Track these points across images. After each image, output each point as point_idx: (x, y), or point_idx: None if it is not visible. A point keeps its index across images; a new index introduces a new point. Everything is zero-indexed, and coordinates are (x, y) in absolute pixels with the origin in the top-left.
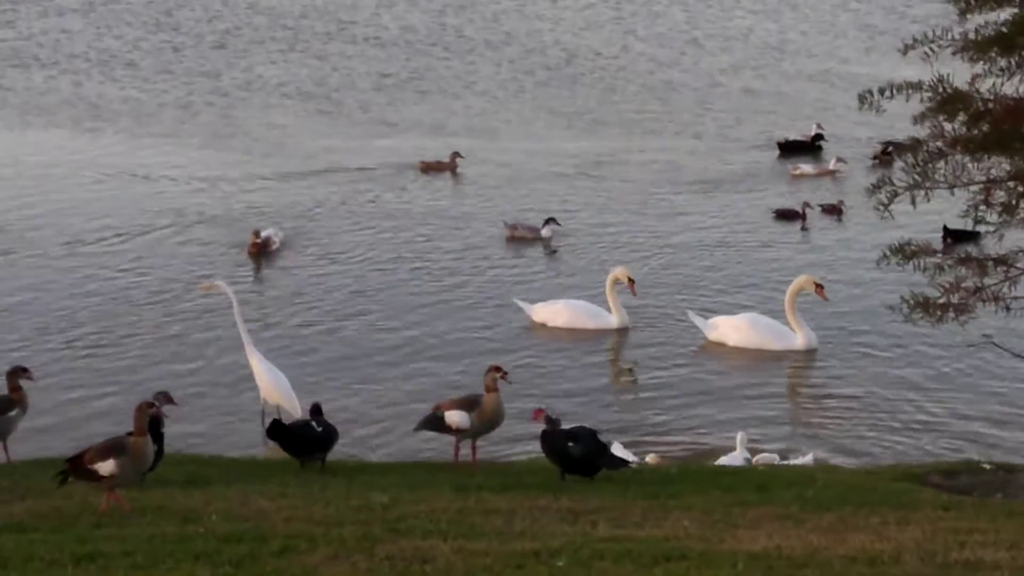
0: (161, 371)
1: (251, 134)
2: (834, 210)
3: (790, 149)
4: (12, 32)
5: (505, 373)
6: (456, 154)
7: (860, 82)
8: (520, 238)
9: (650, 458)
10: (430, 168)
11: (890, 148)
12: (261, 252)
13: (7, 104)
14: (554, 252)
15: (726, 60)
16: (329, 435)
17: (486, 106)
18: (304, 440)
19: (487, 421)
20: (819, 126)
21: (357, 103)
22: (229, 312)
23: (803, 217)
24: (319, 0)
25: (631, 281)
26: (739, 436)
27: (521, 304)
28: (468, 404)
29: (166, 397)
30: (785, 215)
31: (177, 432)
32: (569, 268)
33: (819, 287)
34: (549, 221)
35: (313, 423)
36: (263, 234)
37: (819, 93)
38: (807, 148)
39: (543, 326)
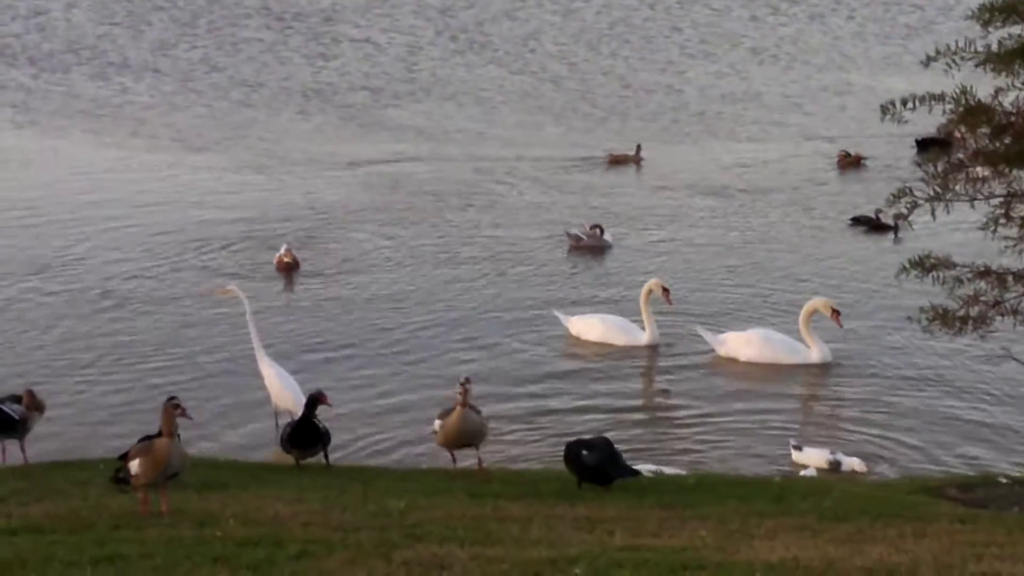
0: (176, 376)
1: (251, 136)
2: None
3: (927, 146)
4: None
5: (465, 387)
6: (639, 147)
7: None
8: (585, 247)
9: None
10: (617, 161)
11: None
12: (290, 268)
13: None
14: (599, 259)
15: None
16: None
17: (475, 111)
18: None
19: (450, 435)
20: None
21: (357, 104)
22: (243, 317)
23: (896, 228)
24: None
25: (666, 291)
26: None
27: (559, 316)
28: (444, 415)
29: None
30: (878, 227)
31: (190, 436)
32: (622, 278)
33: (836, 313)
34: (596, 227)
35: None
36: (284, 249)
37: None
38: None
39: (578, 339)
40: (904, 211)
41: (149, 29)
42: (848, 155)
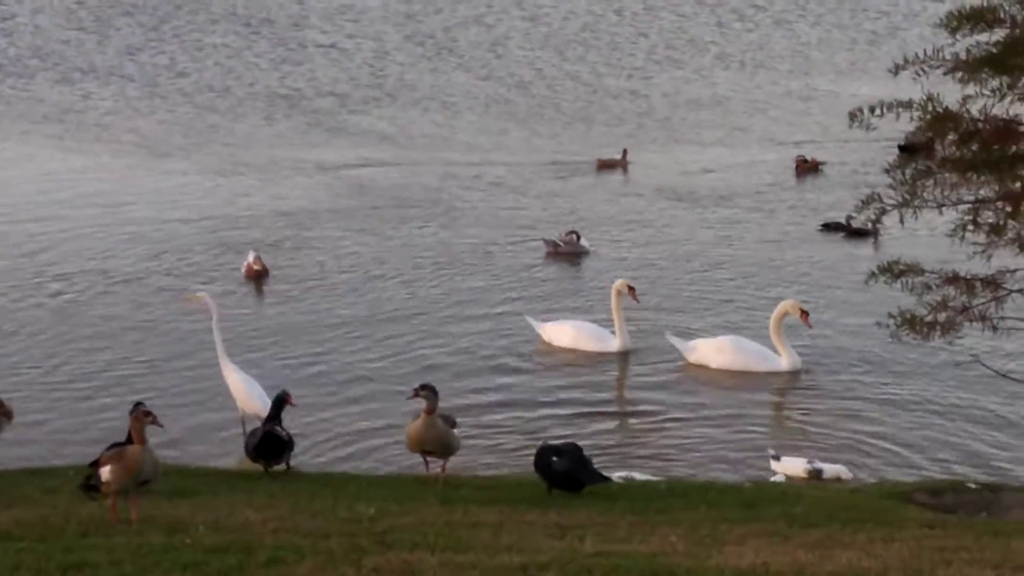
0: (143, 382)
1: (217, 142)
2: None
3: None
4: None
5: (416, 394)
6: (626, 151)
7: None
8: (562, 254)
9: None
10: (605, 165)
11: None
12: (259, 276)
13: None
14: (577, 265)
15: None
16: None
17: (443, 118)
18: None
19: (412, 440)
20: None
21: (324, 110)
22: (209, 323)
23: (875, 233)
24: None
25: (632, 289)
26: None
27: (532, 322)
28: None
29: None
30: (855, 233)
31: (156, 443)
32: (599, 284)
33: (804, 313)
34: (571, 234)
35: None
36: (253, 257)
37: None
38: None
39: (550, 345)
40: (872, 217)
41: (116, 34)
42: (806, 161)
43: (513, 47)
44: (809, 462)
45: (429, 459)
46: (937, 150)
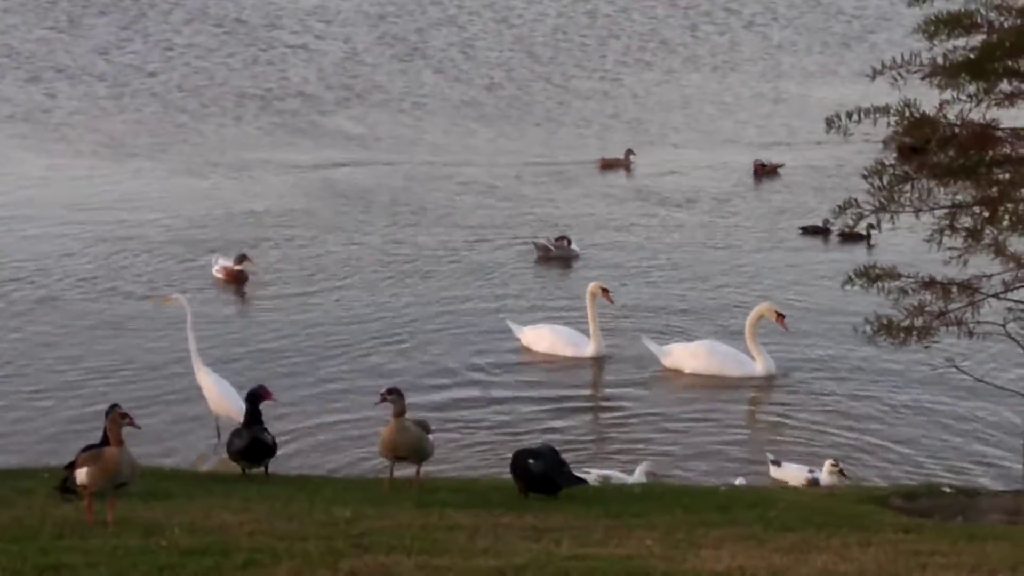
0: (114, 383)
1: (188, 142)
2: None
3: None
4: None
5: (384, 399)
6: (629, 151)
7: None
8: (553, 258)
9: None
10: (609, 165)
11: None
12: (237, 279)
13: None
14: (566, 269)
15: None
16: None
17: (419, 120)
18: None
19: (385, 445)
20: None
21: (294, 111)
22: (182, 325)
23: (868, 237)
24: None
25: (605, 291)
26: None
27: (512, 326)
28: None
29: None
30: (849, 236)
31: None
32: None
33: (780, 316)
34: (562, 239)
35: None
36: (224, 260)
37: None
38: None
39: (529, 350)
40: (851, 222)
41: (88, 34)
42: (764, 165)
43: (484, 48)
44: (810, 471)
45: (406, 463)
46: (933, 155)
